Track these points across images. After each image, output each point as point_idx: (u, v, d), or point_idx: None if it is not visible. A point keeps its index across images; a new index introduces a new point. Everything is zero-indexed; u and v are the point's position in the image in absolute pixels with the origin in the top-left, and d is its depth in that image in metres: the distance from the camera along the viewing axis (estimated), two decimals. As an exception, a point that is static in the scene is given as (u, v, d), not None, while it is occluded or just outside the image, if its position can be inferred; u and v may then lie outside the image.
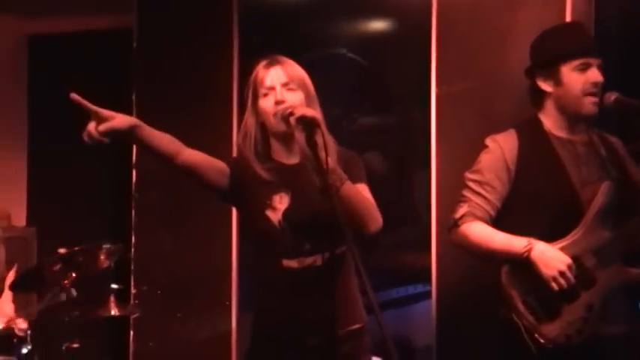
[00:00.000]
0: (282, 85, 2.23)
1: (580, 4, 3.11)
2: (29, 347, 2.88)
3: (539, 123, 2.57)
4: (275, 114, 2.21)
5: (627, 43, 3.21)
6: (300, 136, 2.11)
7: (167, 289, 3.71)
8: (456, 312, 3.20)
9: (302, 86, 2.25)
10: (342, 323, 2.24)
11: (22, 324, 3.09)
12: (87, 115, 4.68)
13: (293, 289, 2.25)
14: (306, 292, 2.24)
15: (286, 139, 2.27)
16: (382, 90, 3.80)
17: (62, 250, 3.04)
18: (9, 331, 2.93)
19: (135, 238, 3.76)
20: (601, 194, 2.46)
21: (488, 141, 2.57)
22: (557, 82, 2.53)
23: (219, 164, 2.27)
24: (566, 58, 2.50)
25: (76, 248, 3.05)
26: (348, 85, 3.71)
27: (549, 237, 2.43)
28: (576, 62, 2.50)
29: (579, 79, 2.50)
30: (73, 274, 3.05)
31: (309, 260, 2.23)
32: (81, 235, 3.80)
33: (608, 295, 2.44)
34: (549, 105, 2.56)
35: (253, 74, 2.29)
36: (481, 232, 2.47)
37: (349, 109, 3.70)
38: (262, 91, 2.25)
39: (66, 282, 3.03)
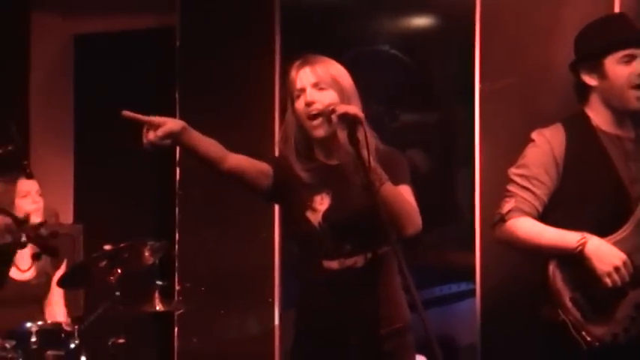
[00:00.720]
0: (312, 86, 2.21)
1: (628, -2, 3.06)
2: (77, 342, 2.93)
3: (587, 118, 2.52)
4: (306, 116, 2.20)
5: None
6: (342, 134, 2.10)
7: (211, 285, 3.74)
8: (500, 310, 3.17)
9: (334, 85, 2.22)
10: (385, 322, 2.23)
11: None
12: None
13: (334, 290, 2.24)
14: (347, 292, 2.22)
15: (324, 141, 2.25)
16: (425, 87, 3.77)
17: (108, 247, 3.08)
18: (57, 326, 2.99)
19: (179, 235, 3.80)
20: None
21: (535, 135, 2.53)
22: (602, 75, 2.48)
23: (263, 166, 2.26)
24: (610, 49, 2.45)
25: (122, 245, 3.09)
26: (390, 82, 3.70)
27: (597, 234, 2.39)
28: (621, 54, 2.45)
29: (624, 71, 2.45)
30: (119, 271, 3.09)
31: (349, 261, 2.22)
32: (126, 232, 3.85)
33: (656, 295, 2.39)
34: (594, 99, 2.52)
35: (288, 77, 2.28)
36: (530, 227, 2.43)
37: (391, 106, 3.68)
38: (295, 93, 2.25)
39: (111, 278, 3.07)
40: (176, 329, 3.76)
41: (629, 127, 2.54)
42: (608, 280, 2.34)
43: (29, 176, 3.00)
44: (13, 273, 3.20)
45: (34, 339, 2.86)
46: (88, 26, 4.45)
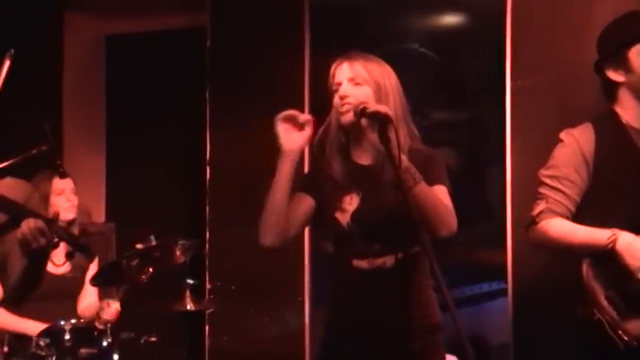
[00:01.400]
0: (348, 81, 2.22)
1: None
2: (109, 340, 2.96)
3: (616, 115, 2.49)
4: (340, 108, 2.21)
5: None
6: (372, 134, 2.10)
7: (241, 284, 3.76)
8: (533, 309, 3.14)
9: (369, 81, 2.22)
10: (415, 322, 2.22)
11: (114, 304, 3.16)
12: (162, 115, 4.74)
13: (364, 289, 2.24)
14: (377, 292, 2.23)
15: (358, 136, 2.25)
16: (454, 85, 3.75)
17: (140, 246, 3.11)
18: (90, 324, 3.03)
19: (209, 233, 3.82)
20: None
21: (563, 135, 2.50)
22: (627, 69, 2.44)
23: (305, 203, 2.28)
24: (632, 41, 2.42)
25: (153, 244, 3.12)
26: (419, 81, 3.68)
27: (630, 231, 2.35)
28: None
29: None
30: (150, 269, 3.12)
31: (378, 261, 2.22)
32: (157, 230, 3.88)
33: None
34: (623, 96, 2.48)
35: (330, 73, 2.29)
36: (561, 228, 2.41)
37: (421, 105, 3.66)
38: (334, 87, 2.26)
39: (143, 277, 3.10)
40: (207, 328, 3.78)
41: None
42: None
43: (62, 175, 3.02)
44: (49, 267, 3.24)
45: (67, 337, 2.90)
46: (120, 27, 4.49)
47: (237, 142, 3.80)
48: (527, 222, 2.49)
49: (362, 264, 2.23)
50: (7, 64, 2.15)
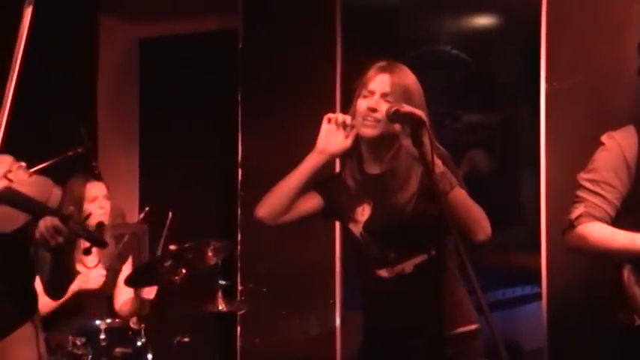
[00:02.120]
0: (382, 95, 2.19)
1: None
2: (143, 340, 2.99)
3: None
4: (365, 119, 2.19)
5: None
6: (405, 137, 2.09)
7: (272, 286, 3.77)
8: (568, 314, 3.09)
9: (402, 98, 2.16)
10: (445, 326, 2.21)
11: (150, 293, 3.18)
12: (194, 117, 4.76)
13: (388, 297, 2.24)
14: (401, 299, 2.22)
15: (374, 145, 2.24)
16: (487, 87, 3.73)
17: (173, 247, 3.14)
18: (124, 324, 3.06)
19: (241, 235, 3.84)
20: None
21: (605, 138, 2.46)
22: None
23: (310, 199, 2.30)
24: None
25: (186, 245, 3.14)
26: (451, 83, 3.66)
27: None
28: None
29: None
30: (183, 270, 3.14)
31: (397, 268, 2.21)
32: (189, 232, 3.91)
33: None
34: None
35: (364, 74, 2.26)
36: (600, 232, 2.37)
37: (453, 107, 3.65)
38: (364, 92, 2.23)
39: (176, 278, 3.13)
40: (238, 329, 3.80)
41: None
42: None
43: (98, 178, 3.07)
44: (81, 270, 3.28)
45: (102, 336, 2.94)
46: (153, 30, 4.53)
47: (268, 143, 3.81)
48: (564, 226, 2.46)
49: (383, 272, 2.23)
50: (28, 12, 2.16)
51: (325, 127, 2.23)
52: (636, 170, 2.38)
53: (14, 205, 2.06)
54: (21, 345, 2.18)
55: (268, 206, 2.31)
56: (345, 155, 2.29)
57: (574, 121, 3.14)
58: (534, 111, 3.26)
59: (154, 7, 4.44)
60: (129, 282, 3.17)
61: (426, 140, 2.03)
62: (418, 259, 2.20)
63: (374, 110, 2.18)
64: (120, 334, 3.00)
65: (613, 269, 2.37)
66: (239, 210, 3.85)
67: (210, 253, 3.26)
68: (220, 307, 3.19)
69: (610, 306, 2.39)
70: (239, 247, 3.81)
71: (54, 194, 2.17)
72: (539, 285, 3.21)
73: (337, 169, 2.57)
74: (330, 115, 2.24)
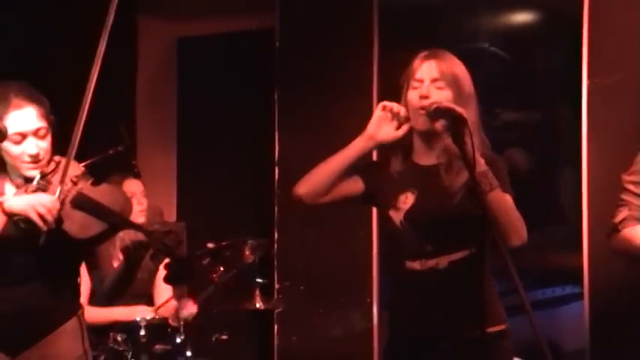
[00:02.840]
0: (432, 81, 2.17)
1: None
2: (182, 337, 3.02)
3: None
4: (416, 108, 2.18)
5: None
6: (446, 134, 2.07)
7: (309, 284, 3.77)
8: (611, 315, 3.05)
9: (453, 84, 2.17)
10: (474, 326, 2.14)
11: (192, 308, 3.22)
12: (231, 116, 4.78)
13: (417, 291, 2.21)
14: (429, 294, 2.19)
15: (427, 137, 2.22)
16: (526, 84, 3.68)
17: (211, 245, 3.16)
18: (164, 321, 3.09)
19: (277, 233, 3.85)
20: None
21: None
22: None
23: (352, 181, 2.29)
24: None
25: (224, 243, 3.16)
26: (489, 81, 3.62)
27: None
28: None
29: None
30: (221, 268, 3.16)
31: (431, 263, 2.18)
32: (226, 230, 3.93)
33: None
34: None
35: (410, 66, 2.23)
36: None
37: (491, 105, 3.61)
38: (412, 83, 2.20)
39: (214, 275, 3.14)
40: (276, 327, 3.81)
41: None
42: None
43: (137, 176, 3.10)
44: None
45: (142, 332, 2.97)
46: (191, 29, 4.56)
47: (305, 142, 3.81)
48: (609, 229, 2.42)
49: (414, 265, 2.19)
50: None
51: (378, 114, 2.20)
52: None
53: (91, 213, 2.10)
54: (68, 339, 2.22)
55: (309, 185, 2.27)
56: (393, 146, 2.27)
57: (616, 119, 3.09)
58: (575, 108, 3.21)
59: (192, 6, 4.47)
60: (168, 279, 3.19)
61: (468, 138, 2.01)
62: (455, 256, 2.17)
63: (425, 97, 2.16)
64: (159, 330, 3.03)
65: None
66: (276, 208, 3.86)
67: (247, 251, 3.27)
68: (258, 305, 3.20)
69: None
70: (276, 245, 3.82)
71: (128, 205, 2.21)
72: (580, 285, 3.17)
73: (374, 157, 2.55)
74: (386, 103, 2.21)
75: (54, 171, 2.19)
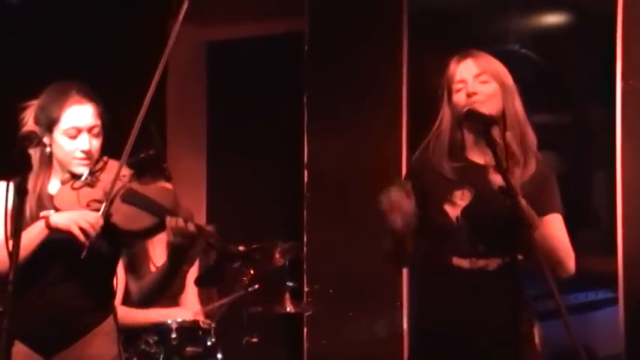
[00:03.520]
0: (475, 77, 2.17)
1: None
2: (213, 340, 3.02)
3: None
4: (460, 110, 2.16)
5: None
6: (479, 136, 2.07)
7: (339, 288, 3.76)
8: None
9: (496, 77, 2.18)
10: (510, 329, 2.15)
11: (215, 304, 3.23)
12: (260, 120, 4.78)
13: (460, 289, 2.20)
14: (475, 294, 2.18)
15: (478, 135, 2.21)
16: (558, 86, 3.65)
17: (241, 248, 3.16)
18: (195, 324, 3.10)
19: (307, 237, 3.84)
20: None
21: None
22: None
23: None
24: None
25: (254, 246, 3.16)
26: (521, 83, 3.59)
27: None
28: None
29: None
30: (251, 271, 3.16)
31: (480, 262, 2.17)
32: (256, 233, 3.93)
33: None
34: None
35: (446, 72, 2.25)
36: None
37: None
38: (455, 86, 2.20)
39: (244, 278, 3.15)
40: (305, 330, 3.81)
41: None
42: None
43: (168, 179, 3.11)
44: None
45: (174, 335, 2.98)
46: (220, 33, 4.59)
47: (334, 145, 3.81)
48: None
49: (463, 263, 2.18)
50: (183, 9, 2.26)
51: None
52: None
53: (142, 207, 2.11)
54: (103, 340, 2.23)
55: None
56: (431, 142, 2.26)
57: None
58: (609, 110, 3.18)
59: (221, 11, 4.49)
60: (198, 282, 3.21)
61: (499, 140, 2.00)
62: (505, 259, 2.16)
63: (473, 94, 2.15)
64: (191, 333, 3.04)
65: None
66: (305, 211, 3.86)
67: (277, 255, 3.28)
68: (288, 309, 3.20)
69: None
70: (305, 248, 3.82)
71: (178, 201, 2.23)
72: (615, 290, 3.12)
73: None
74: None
75: (102, 169, 2.22)
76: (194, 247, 2.13)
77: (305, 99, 3.90)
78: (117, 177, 2.15)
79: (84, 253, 2.07)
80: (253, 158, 4.43)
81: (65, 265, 2.16)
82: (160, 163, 3.28)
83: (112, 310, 2.28)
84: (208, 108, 4.66)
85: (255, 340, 3.16)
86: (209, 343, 3.01)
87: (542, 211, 2.15)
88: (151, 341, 2.93)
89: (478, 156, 2.24)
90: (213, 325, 3.05)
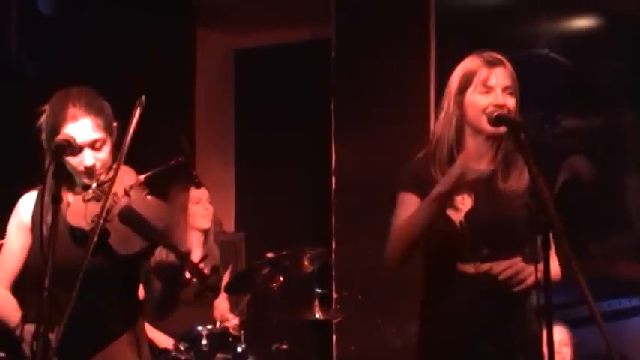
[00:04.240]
0: (504, 89, 2.17)
1: None
2: (243, 346, 3.03)
3: None
4: (488, 113, 2.15)
5: None
6: (509, 139, 2.06)
7: (367, 294, 3.75)
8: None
9: (516, 92, 2.19)
10: (518, 331, 2.15)
11: (233, 320, 3.26)
12: (288, 126, 4.79)
13: (466, 294, 2.18)
14: (480, 298, 2.16)
15: (484, 140, 2.19)
16: (588, 90, 3.61)
17: (270, 255, 3.17)
18: (225, 330, 3.11)
19: (335, 243, 3.84)
20: None
21: None
22: None
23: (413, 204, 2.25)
24: None
25: (283, 253, 3.17)
26: (550, 87, 3.56)
27: None
28: None
29: None
30: (280, 278, 3.17)
31: (485, 266, 2.15)
32: (284, 239, 3.94)
33: None
34: None
35: (467, 67, 2.21)
36: None
37: (552, 112, 3.55)
38: (479, 87, 2.18)
39: (274, 285, 3.16)
40: (335, 337, 3.80)
41: None
42: None
43: (198, 186, 3.13)
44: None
45: (204, 342, 2.99)
46: (248, 41, 4.62)
47: (362, 151, 3.81)
48: None
49: (467, 268, 2.17)
50: (137, 112, 2.19)
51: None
52: None
53: (135, 228, 2.11)
54: (127, 350, 2.22)
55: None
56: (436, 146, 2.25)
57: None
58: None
59: (248, 19, 4.52)
60: (228, 289, 3.22)
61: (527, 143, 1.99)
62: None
63: (501, 105, 2.14)
64: (221, 339, 3.05)
65: None
66: (333, 218, 3.86)
67: (306, 261, 3.27)
68: (317, 315, 3.20)
69: None
70: (334, 254, 3.82)
71: (173, 222, 2.21)
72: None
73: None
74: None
75: (112, 179, 2.20)
76: (182, 273, 2.11)
77: (332, 105, 3.91)
78: (108, 197, 2.10)
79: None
80: (281, 165, 4.44)
81: (88, 275, 2.14)
82: (190, 171, 3.30)
83: (135, 320, 2.27)
84: (236, 115, 4.69)
85: (284, 346, 3.16)
86: (239, 350, 3.02)
87: None
88: (182, 348, 2.95)
89: (476, 162, 2.21)
90: (243, 332, 3.06)
